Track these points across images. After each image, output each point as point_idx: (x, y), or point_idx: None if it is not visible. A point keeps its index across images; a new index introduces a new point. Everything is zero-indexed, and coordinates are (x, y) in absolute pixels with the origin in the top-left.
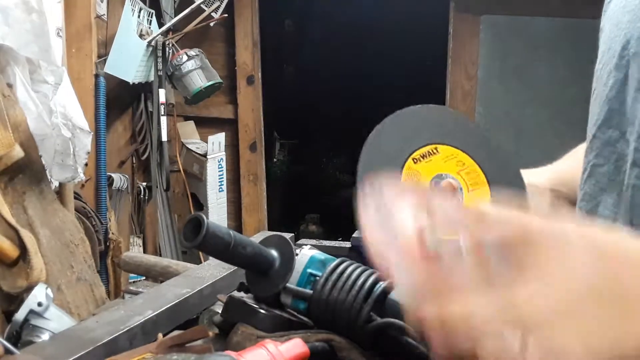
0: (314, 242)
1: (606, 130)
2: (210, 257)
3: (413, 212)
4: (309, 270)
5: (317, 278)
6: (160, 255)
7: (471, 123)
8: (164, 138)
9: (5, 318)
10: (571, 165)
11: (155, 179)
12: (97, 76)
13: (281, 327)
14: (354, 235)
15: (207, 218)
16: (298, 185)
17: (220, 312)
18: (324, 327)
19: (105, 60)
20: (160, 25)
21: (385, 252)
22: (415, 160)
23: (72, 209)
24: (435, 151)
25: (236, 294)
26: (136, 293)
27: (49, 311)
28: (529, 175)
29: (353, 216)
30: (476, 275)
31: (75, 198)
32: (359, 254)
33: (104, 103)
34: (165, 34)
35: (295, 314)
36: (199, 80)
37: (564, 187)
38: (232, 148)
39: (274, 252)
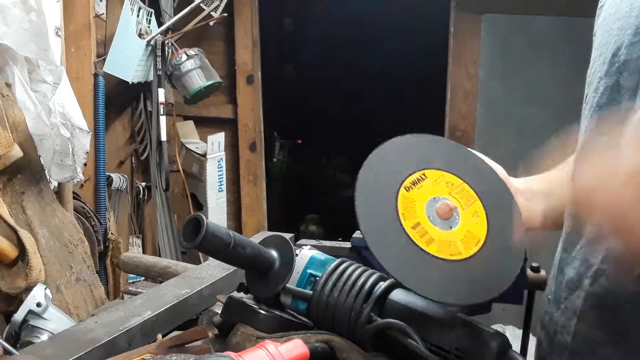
0: (314, 242)
1: (597, 137)
2: (210, 258)
3: None
4: (309, 271)
5: (317, 278)
6: (160, 256)
7: (448, 143)
8: (163, 138)
9: (4, 318)
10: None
11: (155, 179)
12: (96, 76)
13: (281, 328)
14: (354, 235)
15: (207, 218)
16: (298, 185)
17: (219, 312)
18: (324, 328)
19: (104, 59)
20: (160, 24)
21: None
22: (407, 189)
23: (71, 209)
24: (423, 177)
25: (236, 294)
26: (135, 293)
27: (48, 312)
28: (525, 181)
29: (353, 216)
30: None
31: (74, 198)
32: (359, 254)
33: (103, 103)
34: (164, 33)
35: (295, 314)
36: (198, 80)
37: (560, 190)
38: (232, 148)
39: (274, 253)
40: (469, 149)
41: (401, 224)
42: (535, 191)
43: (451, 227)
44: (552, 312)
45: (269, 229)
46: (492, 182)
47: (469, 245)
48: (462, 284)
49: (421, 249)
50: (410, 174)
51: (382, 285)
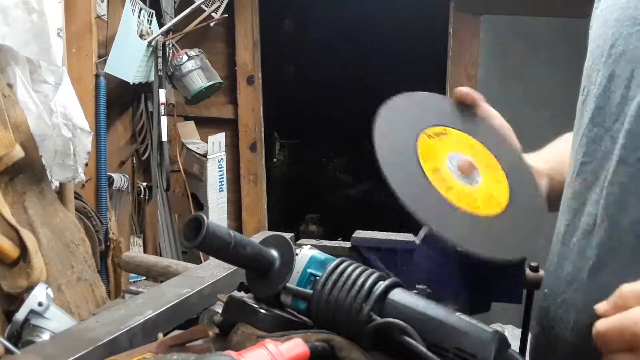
0: (314, 242)
1: (592, 128)
2: (211, 257)
3: None
4: (309, 270)
5: (317, 278)
6: (161, 255)
7: (476, 114)
8: (164, 138)
9: (6, 318)
10: (557, 152)
11: (156, 179)
12: (97, 76)
13: (281, 327)
14: (354, 235)
15: (207, 218)
16: (298, 185)
17: (220, 312)
18: (324, 327)
19: (105, 60)
20: (161, 25)
21: None
22: (429, 136)
23: (73, 209)
24: (445, 132)
25: (236, 293)
26: (136, 293)
27: (50, 311)
28: (528, 157)
29: (353, 216)
30: None
31: (75, 198)
32: (359, 253)
33: (104, 103)
34: (165, 34)
35: (295, 313)
36: (199, 81)
37: (555, 174)
38: (232, 148)
39: (274, 252)
40: (494, 127)
41: (420, 164)
42: (539, 171)
43: (471, 184)
44: (549, 306)
45: (269, 229)
46: (514, 156)
47: (490, 206)
48: (483, 236)
49: (439, 193)
50: (434, 125)
51: (382, 284)
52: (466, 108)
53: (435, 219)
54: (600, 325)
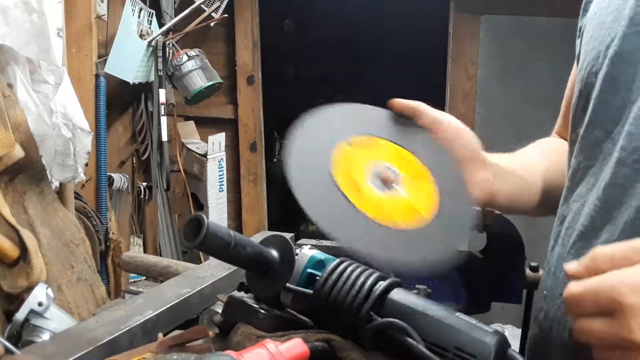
0: (314, 242)
1: (592, 131)
2: (211, 257)
3: None
4: (309, 270)
5: (317, 278)
6: (161, 255)
7: (414, 125)
8: (164, 138)
9: (6, 318)
10: (531, 155)
11: (156, 179)
12: (97, 76)
13: (281, 327)
14: None
15: (208, 218)
16: None
17: (220, 311)
18: (324, 327)
19: (105, 60)
20: (161, 25)
21: None
22: (350, 144)
23: (73, 209)
24: (373, 143)
25: (236, 293)
26: (136, 293)
27: (50, 311)
28: (494, 156)
29: None
30: None
31: (75, 198)
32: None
33: (104, 103)
34: (165, 34)
35: (295, 313)
36: (199, 81)
37: (530, 177)
38: (233, 148)
39: (274, 252)
40: (433, 136)
41: (331, 172)
42: (503, 168)
43: (391, 194)
44: (548, 308)
45: (269, 229)
46: (451, 169)
47: (409, 218)
48: (391, 245)
49: (350, 203)
50: (362, 134)
51: (382, 284)
52: (406, 120)
53: (340, 230)
54: (573, 287)
